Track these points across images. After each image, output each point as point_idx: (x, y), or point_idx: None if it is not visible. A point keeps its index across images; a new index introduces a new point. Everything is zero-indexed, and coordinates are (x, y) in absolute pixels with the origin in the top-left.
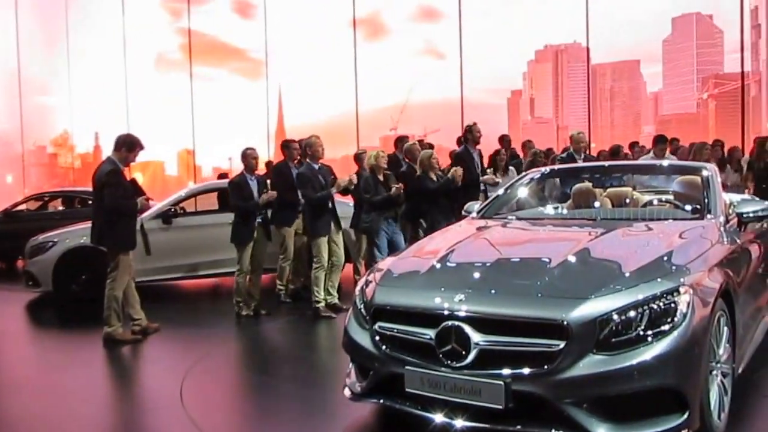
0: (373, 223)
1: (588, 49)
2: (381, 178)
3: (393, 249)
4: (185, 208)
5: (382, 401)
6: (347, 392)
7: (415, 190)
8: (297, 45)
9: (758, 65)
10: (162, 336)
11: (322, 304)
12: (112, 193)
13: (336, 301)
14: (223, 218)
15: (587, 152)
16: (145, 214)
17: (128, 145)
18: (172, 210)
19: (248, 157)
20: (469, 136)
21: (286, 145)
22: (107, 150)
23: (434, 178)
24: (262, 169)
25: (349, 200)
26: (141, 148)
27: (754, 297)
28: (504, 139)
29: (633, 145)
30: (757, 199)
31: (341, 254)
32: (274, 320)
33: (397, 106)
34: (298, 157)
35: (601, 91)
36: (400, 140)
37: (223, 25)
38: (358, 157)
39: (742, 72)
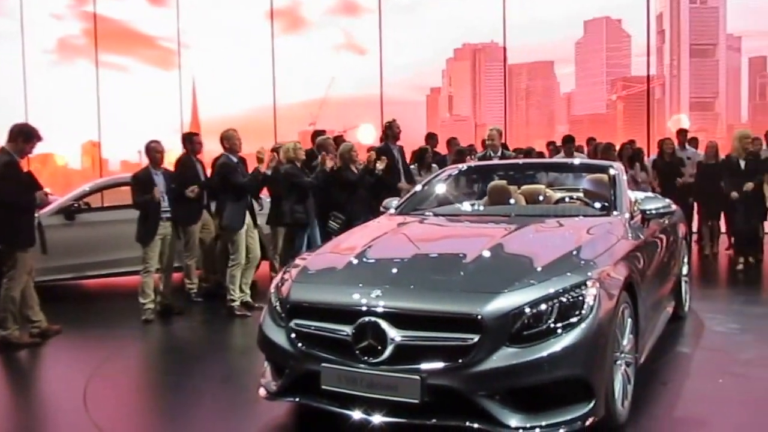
0: (306, 214)
1: (505, 49)
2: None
3: (308, 246)
4: (90, 204)
5: (298, 400)
6: (262, 392)
7: (334, 182)
8: (212, 35)
9: (662, 69)
10: (64, 338)
11: (237, 302)
12: (7, 187)
13: (248, 298)
14: (132, 214)
15: (508, 149)
16: (44, 210)
17: (25, 136)
18: (75, 205)
19: (152, 150)
20: (389, 132)
21: (188, 138)
22: (1, 141)
23: (354, 171)
24: (171, 163)
25: (264, 194)
26: (39, 139)
27: (656, 289)
28: (431, 137)
29: (549, 144)
30: (660, 197)
31: (257, 250)
32: (186, 320)
33: (317, 101)
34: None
35: (517, 90)
36: (317, 135)
37: (132, 11)
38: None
39: (648, 75)
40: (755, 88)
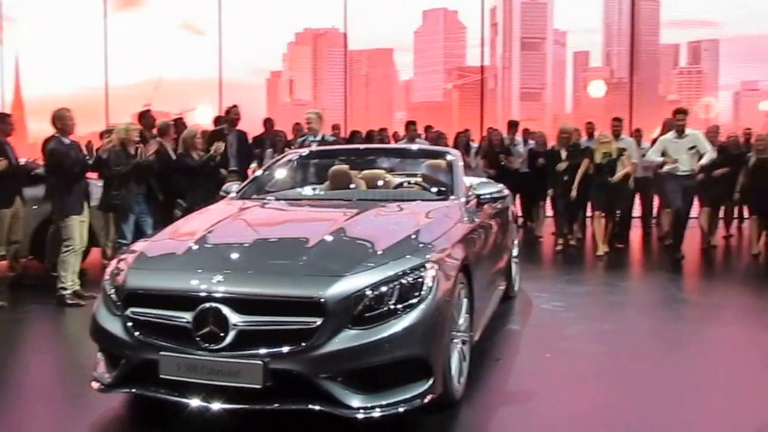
0: (124, 199)
1: (345, 36)
2: (132, 151)
3: (139, 232)
4: None
5: (134, 390)
6: (95, 384)
7: (174, 168)
8: (40, 9)
9: (495, 60)
10: None
11: (69, 291)
12: None
13: (78, 287)
14: None
15: (339, 134)
16: None
17: None
18: None
19: None
20: (229, 117)
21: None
22: None
23: (195, 157)
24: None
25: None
26: None
27: (489, 270)
28: (267, 122)
29: (382, 130)
30: (494, 182)
31: (85, 237)
32: (11, 311)
33: (152, 82)
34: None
35: (357, 76)
36: (144, 116)
37: None
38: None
39: (482, 66)
40: (579, 81)
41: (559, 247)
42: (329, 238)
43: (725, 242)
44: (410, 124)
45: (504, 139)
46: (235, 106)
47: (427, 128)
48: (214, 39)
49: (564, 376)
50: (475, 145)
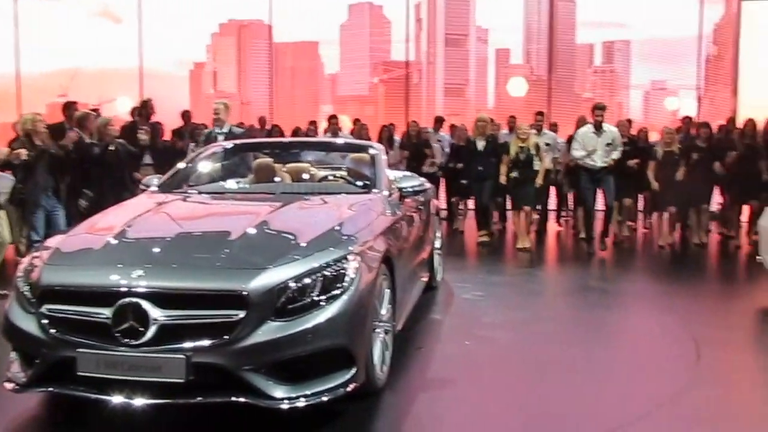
0: (30, 192)
1: (270, 28)
2: (40, 143)
3: (50, 227)
4: None
5: (51, 389)
6: (9, 385)
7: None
8: None
9: (420, 55)
10: None
11: None
12: None
13: None
14: None
15: (266, 127)
16: None
17: None
18: None
19: None
20: (142, 110)
21: None
22: None
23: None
24: None
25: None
26: None
27: (412, 262)
28: (185, 115)
29: (311, 123)
30: (416, 175)
31: (4, 233)
32: None
33: (68, 71)
34: None
35: (282, 69)
36: (68, 107)
37: None
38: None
39: (407, 61)
40: (500, 78)
41: (481, 239)
42: (252, 231)
43: (639, 234)
44: (332, 118)
45: (427, 133)
46: (149, 100)
47: (355, 121)
48: (134, 28)
49: (482, 363)
50: (398, 138)
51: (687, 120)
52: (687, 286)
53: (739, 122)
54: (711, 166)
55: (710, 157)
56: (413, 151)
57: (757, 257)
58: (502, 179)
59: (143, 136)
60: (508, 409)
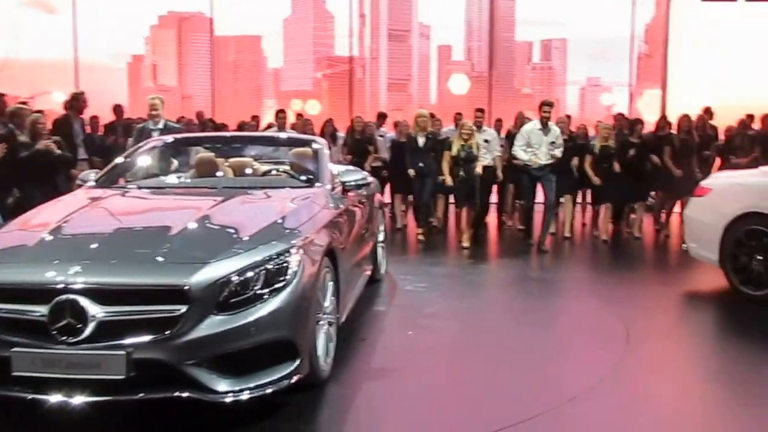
0: None
1: (212, 21)
2: None
3: None
4: None
5: None
6: None
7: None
8: None
9: (363, 51)
10: None
11: None
12: None
13: None
14: None
15: (211, 121)
16: None
17: None
18: None
19: None
20: (74, 104)
21: None
22: None
23: (40, 146)
24: None
25: None
26: None
27: (355, 254)
28: (117, 109)
29: (253, 118)
30: (359, 169)
31: None
32: None
33: None
34: None
35: (224, 63)
36: None
37: None
38: None
39: (351, 56)
40: (443, 74)
41: (419, 236)
42: (193, 226)
43: (581, 228)
44: (280, 113)
45: (371, 128)
46: (81, 93)
47: (298, 116)
48: (68, 18)
49: (424, 352)
50: (341, 134)
51: (620, 116)
52: (619, 275)
53: (672, 118)
54: (645, 161)
55: (645, 153)
56: (357, 146)
57: (683, 245)
58: (448, 180)
59: (55, 151)
60: (449, 394)
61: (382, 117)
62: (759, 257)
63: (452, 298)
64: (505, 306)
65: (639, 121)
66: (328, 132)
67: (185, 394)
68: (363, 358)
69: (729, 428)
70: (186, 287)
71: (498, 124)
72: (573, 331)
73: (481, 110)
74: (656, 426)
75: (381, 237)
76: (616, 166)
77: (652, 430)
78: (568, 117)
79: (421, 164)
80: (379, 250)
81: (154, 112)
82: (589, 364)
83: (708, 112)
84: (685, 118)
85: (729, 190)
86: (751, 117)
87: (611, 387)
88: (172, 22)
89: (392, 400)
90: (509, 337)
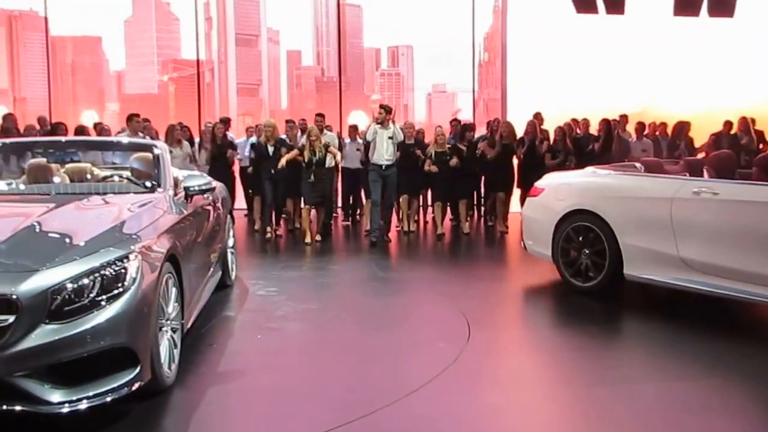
0: None
1: (47, 20)
2: None
3: None
4: None
5: None
6: None
7: None
8: None
9: (211, 54)
10: None
11: None
12: None
13: None
14: None
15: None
16: None
17: None
18: None
19: None
20: None
21: None
22: None
23: None
24: None
25: None
26: None
27: (201, 260)
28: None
29: (96, 125)
30: (204, 175)
31: None
32: None
33: None
34: None
35: (62, 64)
36: None
37: None
38: None
39: (198, 59)
40: (293, 79)
41: (268, 236)
42: (23, 233)
43: (421, 226)
44: (133, 116)
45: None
46: None
47: (143, 120)
48: None
49: (273, 353)
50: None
51: (455, 122)
52: (461, 272)
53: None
54: (471, 164)
55: (473, 157)
56: (216, 151)
57: (522, 243)
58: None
59: None
60: (297, 392)
61: (224, 122)
62: (586, 251)
63: (302, 300)
64: (353, 305)
65: (470, 127)
66: (185, 137)
67: (17, 408)
68: (210, 363)
69: (561, 408)
70: (14, 297)
71: (353, 132)
72: (416, 326)
73: (320, 115)
74: (495, 411)
75: (231, 242)
76: (454, 161)
77: (491, 415)
78: (412, 125)
79: (272, 171)
80: (229, 256)
81: None
82: (432, 356)
83: (538, 117)
84: (508, 126)
85: (559, 189)
86: (575, 121)
87: (453, 376)
88: (3, 21)
89: (237, 402)
90: (355, 334)
